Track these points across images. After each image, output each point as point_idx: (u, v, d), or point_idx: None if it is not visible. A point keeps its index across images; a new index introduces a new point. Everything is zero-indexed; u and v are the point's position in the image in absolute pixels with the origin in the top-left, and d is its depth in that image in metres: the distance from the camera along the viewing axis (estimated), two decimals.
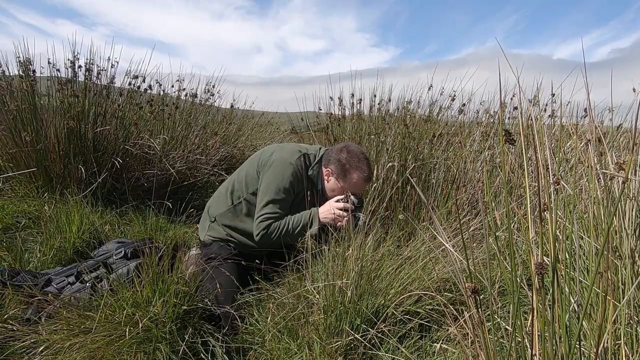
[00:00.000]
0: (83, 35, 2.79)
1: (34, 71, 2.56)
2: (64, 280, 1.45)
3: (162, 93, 3.54)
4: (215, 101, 4.25)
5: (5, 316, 1.27)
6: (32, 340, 1.14)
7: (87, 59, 2.60)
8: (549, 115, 2.66)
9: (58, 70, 2.61)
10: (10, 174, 2.41)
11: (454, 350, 1.22)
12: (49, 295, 1.34)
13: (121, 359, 1.10)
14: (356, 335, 1.22)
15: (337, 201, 1.62)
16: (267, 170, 1.65)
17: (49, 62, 2.60)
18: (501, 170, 2.18)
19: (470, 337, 0.90)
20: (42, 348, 1.11)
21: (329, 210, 1.61)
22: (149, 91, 3.17)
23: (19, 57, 2.58)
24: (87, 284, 1.41)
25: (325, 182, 1.73)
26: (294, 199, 1.69)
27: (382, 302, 1.38)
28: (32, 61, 2.58)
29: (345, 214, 1.59)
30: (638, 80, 1.64)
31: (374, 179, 2.31)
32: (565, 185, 1.26)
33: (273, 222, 1.60)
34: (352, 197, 1.61)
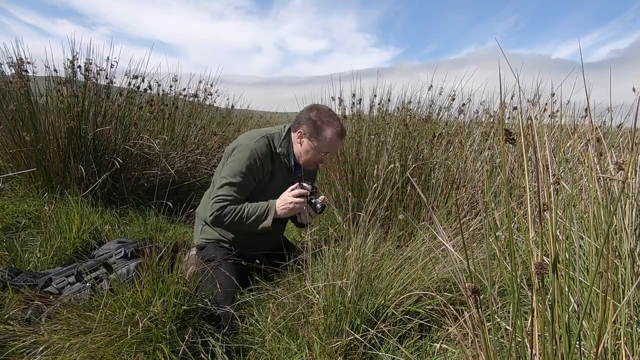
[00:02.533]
0: (83, 36, 2.79)
1: (26, 71, 2.55)
2: (64, 280, 1.45)
3: (161, 93, 3.54)
4: (214, 101, 4.25)
5: (6, 316, 1.27)
6: (32, 341, 1.14)
7: (86, 59, 2.60)
8: (549, 115, 2.66)
9: (56, 70, 2.61)
10: (10, 174, 2.41)
11: (454, 350, 1.22)
12: (49, 295, 1.35)
13: (121, 359, 1.10)
14: (356, 335, 1.22)
15: (292, 190, 1.60)
16: (229, 158, 1.64)
17: (46, 66, 2.60)
18: (501, 170, 2.18)
19: (470, 337, 0.90)
20: (42, 348, 1.11)
21: (285, 200, 1.58)
22: (148, 91, 3.17)
23: (10, 57, 2.58)
24: (87, 284, 1.41)
25: (298, 145, 1.68)
26: (262, 181, 1.66)
27: (382, 302, 1.38)
28: (24, 61, 2.57)
29: (302, 200, 1.57)
30: (638, 80, 1.64)
31: (376, 177, 2.30)
32: (565, 186, 1.26)
33: (228, 205, 1.56)
34: (304, 184, 1.61)
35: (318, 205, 1.61)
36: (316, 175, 2.01)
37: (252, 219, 1.57)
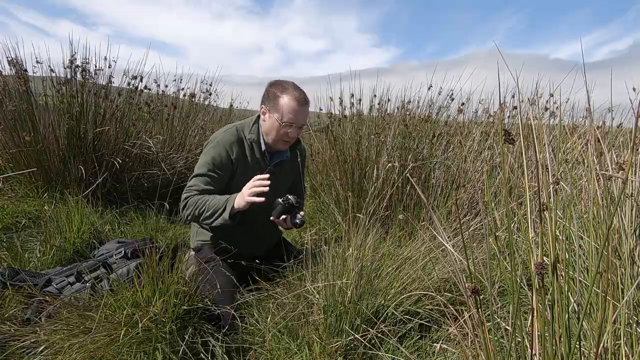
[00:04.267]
0: (83, 36, 2.79)
1: (25, 70, 2.54)
2: (64, 280, 1.45)
3: (160, 93, 3.53)
4: (214, 101, 4.25)
5: (6, 316, 1.27)
6: (32, 340, 1.14)
7: (83, 59, 2.59)
8: (549, 115, 2.66)
9: (52, 70, 2.60)
10: (10, 174, 2.41)
11: (454, 350, 1.22)
12: (49, 295, 1.34)
13: (121, 359, 1.10)
14: (356, 335, 1.22)
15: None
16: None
17: (37, 62, 2.59)
18: (501, 170, 2.18)
19: (470, 337, 0.90)
20: (42, 348, 1.11)
21: (244, 193, 1.46)
22: (147, 91, 3.17)
23: (8, 57, 2.56)
24: (87, 284, 1.41)
25: (264, 123, 1.62)
26: (236, 172, 1.61)
27: (382, 302, 1.38)
28: (23, 61, 2.56)
29: (259, 183, 1.44)
30: (639, 80, 1.65)
31: (376, 177, 2.30)
32: (565, 186, 1.26)
33: (192, 197, 1.51)
34: (289, 196, 1.55)
35: (297, 221, 1.56)
36: (302, 179, 1.90)
37: (210, 211, 1.49)
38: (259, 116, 1.68)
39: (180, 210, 1.55)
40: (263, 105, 1.61)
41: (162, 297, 1.19)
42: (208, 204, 1.49)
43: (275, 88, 1.59)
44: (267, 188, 1.43)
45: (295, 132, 1.61)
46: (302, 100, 1.57)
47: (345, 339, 1.23)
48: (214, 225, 1.49)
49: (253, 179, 1.47)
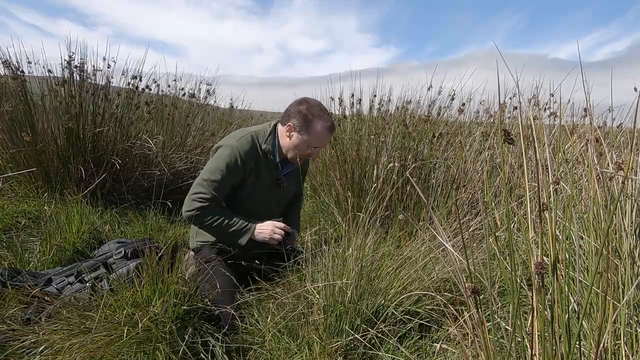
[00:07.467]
0: (84, 36, 2.78)
1: (22, 71, 2.54)
2: (64, 280, 1.45)
3: (160, 93, 3.53)
4: (214, 101, 4.24)
5: (6, 316, 1.27)
6: (32, 340, 1.14)
7: (81, 59, 2.59)
8: (549, 115, 2.66)
9: (50, 71, 2.60)
10: (10, 174, 2.41)
11: (454, 350, 1.22)
12: (49, 295, 1.35)
13: (121, 359, 1.10)
14: (356, 335, 1.22)
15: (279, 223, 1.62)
16: (212, 155, 1.63)
17: (44, 68, 2.59)
18: (501, 170, 2.18)
19: (470, 337, 0.90)
20: (42, 348, 1.12)
21: (266, 228, 1.60)
22: (147, 91, 3.17)
23: (1, 57, 2.55)
24: (87, 284, 1.41)
25: (287, 139, 1.64)
26: (248, 179, 1.64)
27: (382, 302, 1.38)
28: (20, 62, 2.55)
29: (282, 234, 1.60)
30: (638, 80, 1.65)
31: (375, 177, 2.30)
32: (565, 186, 1.26)
33: (209, 207, 1.55)
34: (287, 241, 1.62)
35: (287, 247, 1.62)
36: (303, 184, 1.94)
37: (228, 232, 1.57)
38: (274, 126, 1.69)
39: (194, 217, 1.56)
40: (290, 123, 1.61)
41: (162, 297, 1.19)
42: (227, 223, 1.57)
43: (307, 110, 1.61)
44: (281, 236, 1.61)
45: (317, 152, 1.70)
46: (333, 128, 1.65)
47: (345, 339, 1.23)
48: (227, 241, 1.60)
49: (279, 224, 1.61)
